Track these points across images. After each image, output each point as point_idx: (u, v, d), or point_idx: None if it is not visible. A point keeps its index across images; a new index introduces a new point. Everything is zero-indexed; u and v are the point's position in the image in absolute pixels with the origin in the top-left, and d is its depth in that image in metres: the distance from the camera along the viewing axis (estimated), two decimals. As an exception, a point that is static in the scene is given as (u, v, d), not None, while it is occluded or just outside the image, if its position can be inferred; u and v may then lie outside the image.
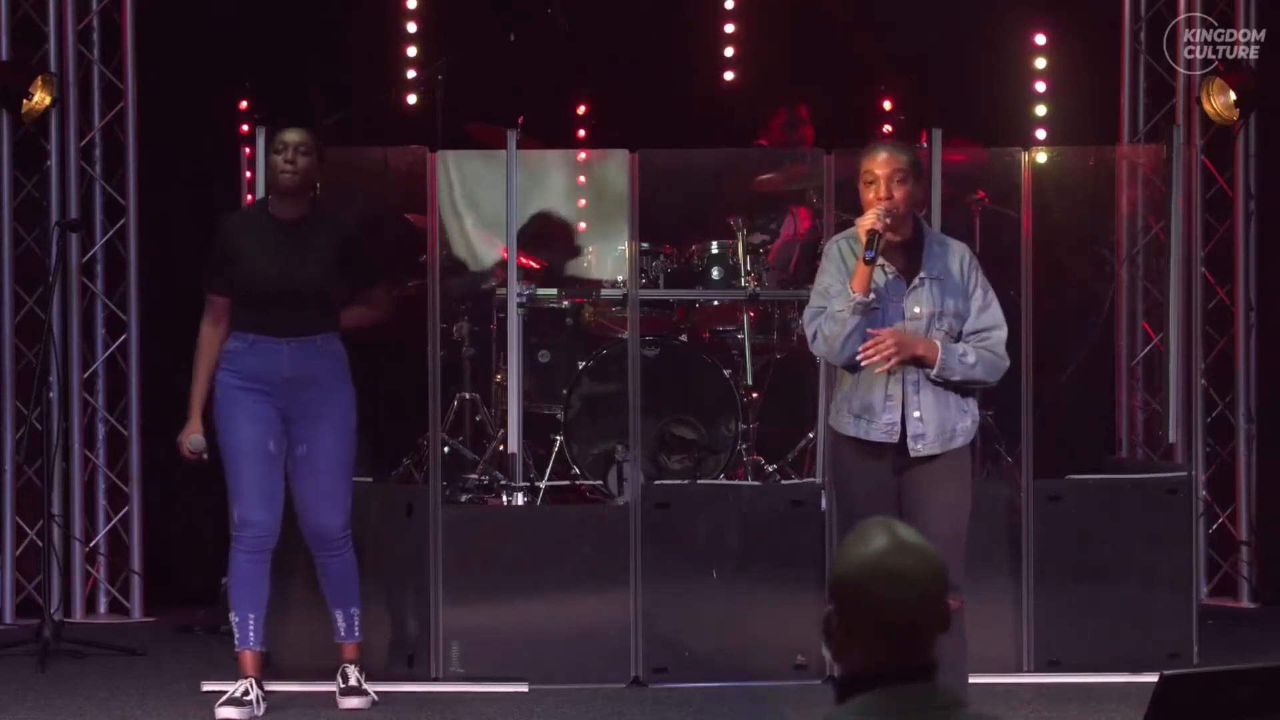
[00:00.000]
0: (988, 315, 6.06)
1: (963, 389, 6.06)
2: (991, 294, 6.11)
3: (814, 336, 6.04)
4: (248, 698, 6.93)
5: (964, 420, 6.06)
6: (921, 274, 6.01)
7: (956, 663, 5.97)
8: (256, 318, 6.93)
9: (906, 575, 3.01)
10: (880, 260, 5.93)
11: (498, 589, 7.60)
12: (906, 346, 5.91)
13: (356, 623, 7.12)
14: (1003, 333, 6.08)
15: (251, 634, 7.00)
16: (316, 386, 6.94)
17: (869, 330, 5.91)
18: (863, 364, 5.92)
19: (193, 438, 7.01)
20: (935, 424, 6.00)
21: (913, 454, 5.98)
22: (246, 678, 6.98)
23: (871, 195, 5.96)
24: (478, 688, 7.43)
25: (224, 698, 6.96)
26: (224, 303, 7.00)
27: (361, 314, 7.15)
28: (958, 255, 6.09)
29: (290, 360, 6.93)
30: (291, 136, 6.95)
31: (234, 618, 7.03)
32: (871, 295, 5.91)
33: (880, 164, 5.97)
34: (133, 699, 7.27)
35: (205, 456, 7.06)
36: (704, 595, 7.60)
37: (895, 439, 5.98)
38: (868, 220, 5.89)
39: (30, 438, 8.51)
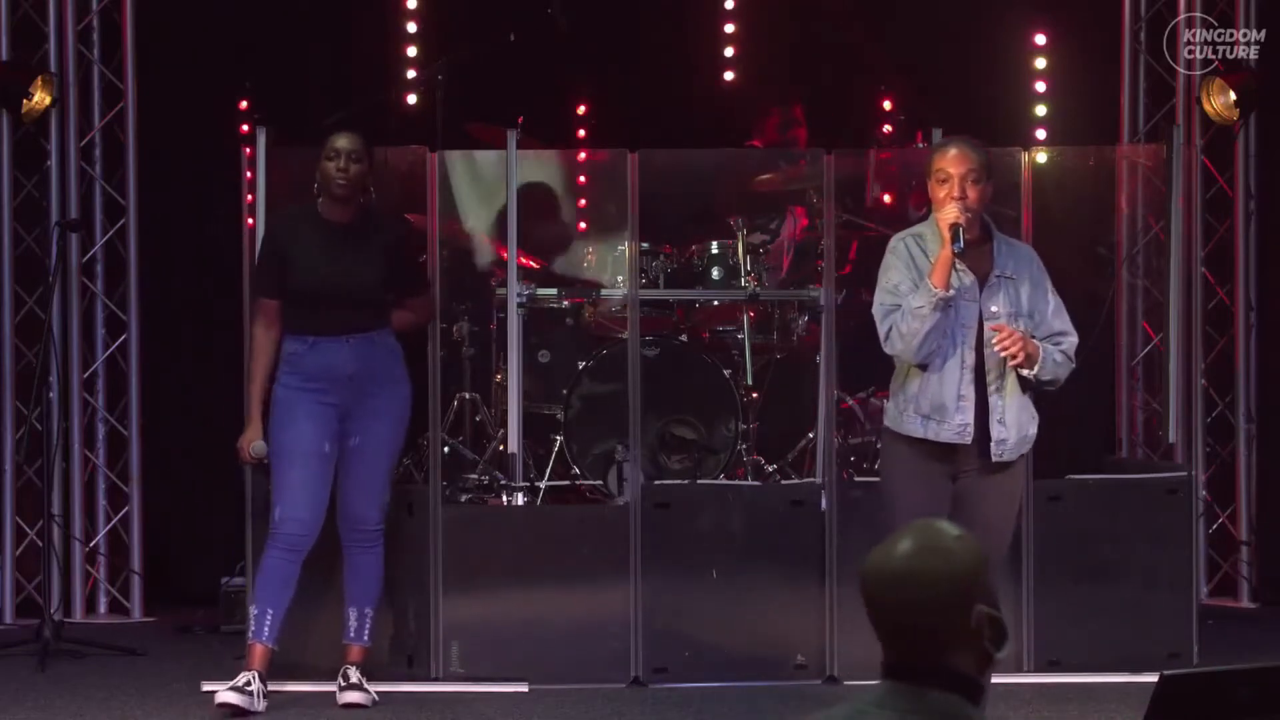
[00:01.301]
0: (1062, 319, 6.05)
1: (1036, 392, 6.02)
2: (1059, 298, 6.09)
3: (887, 334, 5.95)
4: (250, 688, 6.95)
5: (1033, 426, 6.05)
6: (996, 272, 5.97)
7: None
8: (314, 319, 7.03)
9: (917, 577, 3.00)
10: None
11: (498, 589, 7.60)
12: (1026, 341, 5.87)
13: (368, 625, 7.15)
14: (1075, 338, 6.08)
15: (267, 629, 7.04)
16: (376, 381, 7.07)
17: (989, 326, 5.84)
18: (1000, 353, 5.84)
19: (255, 444, 7.07)
20: (1016, 429, 5.97)
21: (994, 459, 5.92)
22: (252, 670, 7.00)
23: (944, 193, 5.93)
24: (478, 688, 7.43)
25: (228, 684, 6.98)
26: (275, 306, 7.09)
27: (407, 319, 7.29)
28: (1027, 256, 6.10)
29: (352, 356, 7.03)
30: (343, 143, 7.04)
31: (253, 610, 7.07)
32: (952, 290, 5.86)
33: (952, 161, 5.94)
34: (133, 699, 7.27)
35: (267, 460, 7.11)
36: (704, 595, 7.60)
37: (967, 440, 5.92)
38: (950, 214, 5.86)
39: (30, 438, 8.51)
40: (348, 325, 7.03)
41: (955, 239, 5.82)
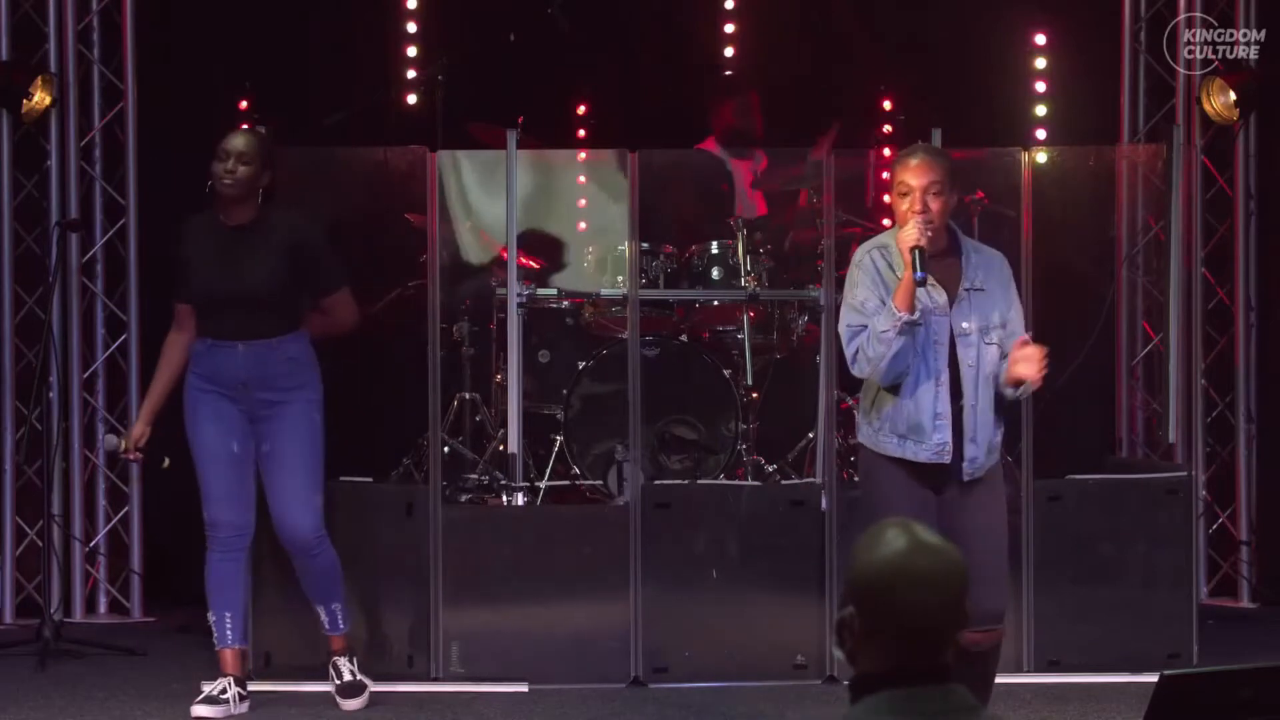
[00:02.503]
0: (1022, 326, 5.91)
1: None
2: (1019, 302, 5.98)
3: (854, 357, 5.77)
4: (225, 696, 6.94)
5: (999, 434, 5.92)
6: (965, 285, 5.80)
7: (980, 697, 5.97)
8: (210, 323, 6.97)
9: (929, 578, 2.98)
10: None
11: (498, 589, 7.60)
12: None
13: (340, 616, 7.12)
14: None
15: (229, 632, 7.00)
16: (275, 387, 6.95)
17: (1017, 349, 5.72)
18: (1033, 380, 5.69)
19: (108, 437, 7.08)
20: (985, 444, 5.84)
21: (966, 478, 5.80)
22: (225, 676, 6.99)
23: (905, 207, 5.72)
24: (478, 688, 7.43)
25: (201, 696, 6.96)
26: (188, 309, 7.06)
27: (324, 323, 7.09)
28: (997, 264, 5.91)
29: (245, 363, 6.94)
30: (233, 144, 6.96)
31: (211, 617, 7.04)
32: (918, 313, 5.69)
33: (914, 173, 5.72)
34: (133, 699, 7.27)
35: (135, 457, 7.16)
36: (704, 595, 7.60)
37: (946, 460, 5.78)
38: (910, 237, 5.64)
39: (30, 438, 8.52)
40: (242, 330, 6.92)
41: (916, 263, 5.60)
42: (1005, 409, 5.96)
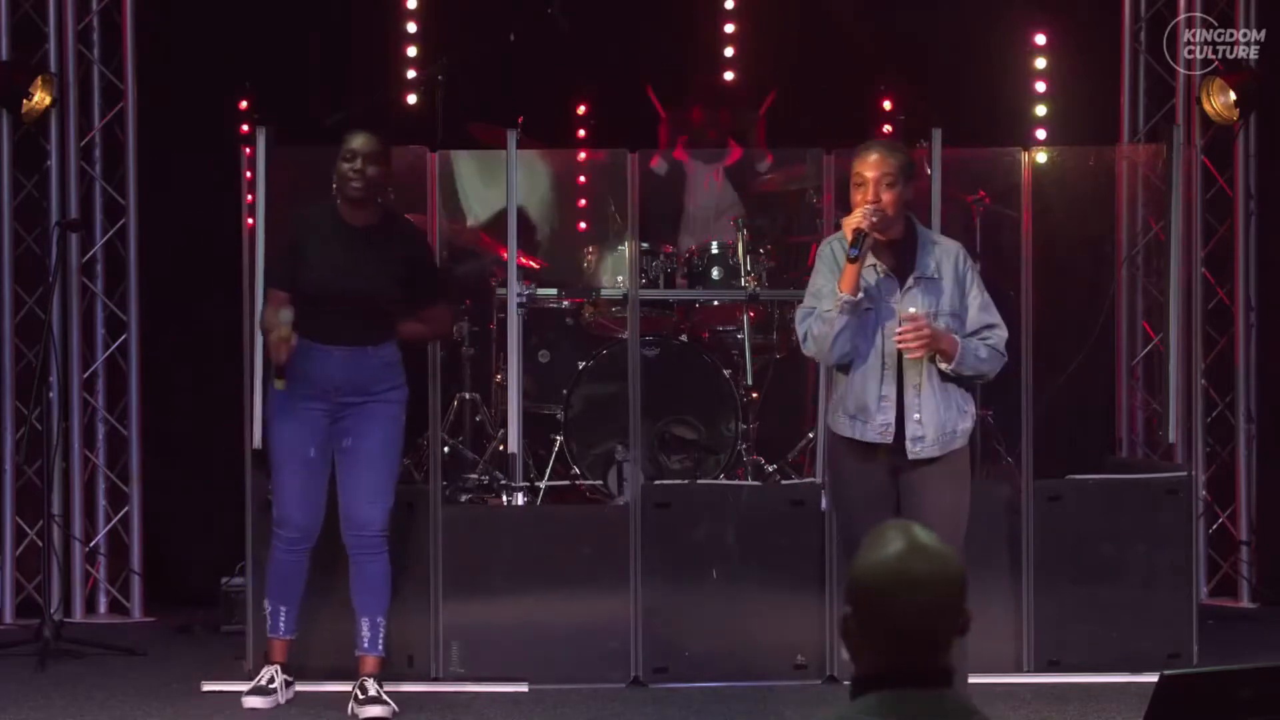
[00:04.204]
0: (989, 313, 6.09)
1: (965, 387, 6.08)
2: (986, 293, 6.12)
3: (804, 337, 6.06)
4: (272, 685, 7.03)
5: (964, 421, 6.08)
6: (915, 273, 6.01)
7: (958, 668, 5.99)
8: (312, 322, 6.86)
9: (925, 581, 2.99)
10: (871, 260, 5.96)
11: (498, 589, 7.60)
12: (937, 336, 5.92)
13: (381, 634, 7.04)
14: (1004, 331, 6.12)
15: (283, 624, 7.09)
16: (365, 391, 6.95)
17: (899, 317, 5.91)
18: (899, 347, 5.90)
19: (284, 310, 6.77)
20: (935, 426, 6.01)
21: (911, 456, 6.00)
22: (273, 664, 7.06)
23: (859, 197, 5.98)
24: (478, 688, 7.43)
25: (250, 686, 7.05)
26: (285, 297, 6.95)
27: (420, 330, 7.13)
28: (952, 254, 6.10)
29: (340, 368, 6.92)
30: (360, 144, 6.92)
31: (267, 606, 7.10)
32: (861, 295, 5.92)
33: (870, 166, 5.98)
34: (133, 699, 7.27)
35: (293, 343, 6.75)
36: (704, 595, 7.60)
37: (889, 440, 6.00)
38: (854, 219, 5.91)
39: (30, 438, 8.52)
40: (343, 334, 6.89)
41: (855, 244, 5.87)
42: (964, 386, 6.11)
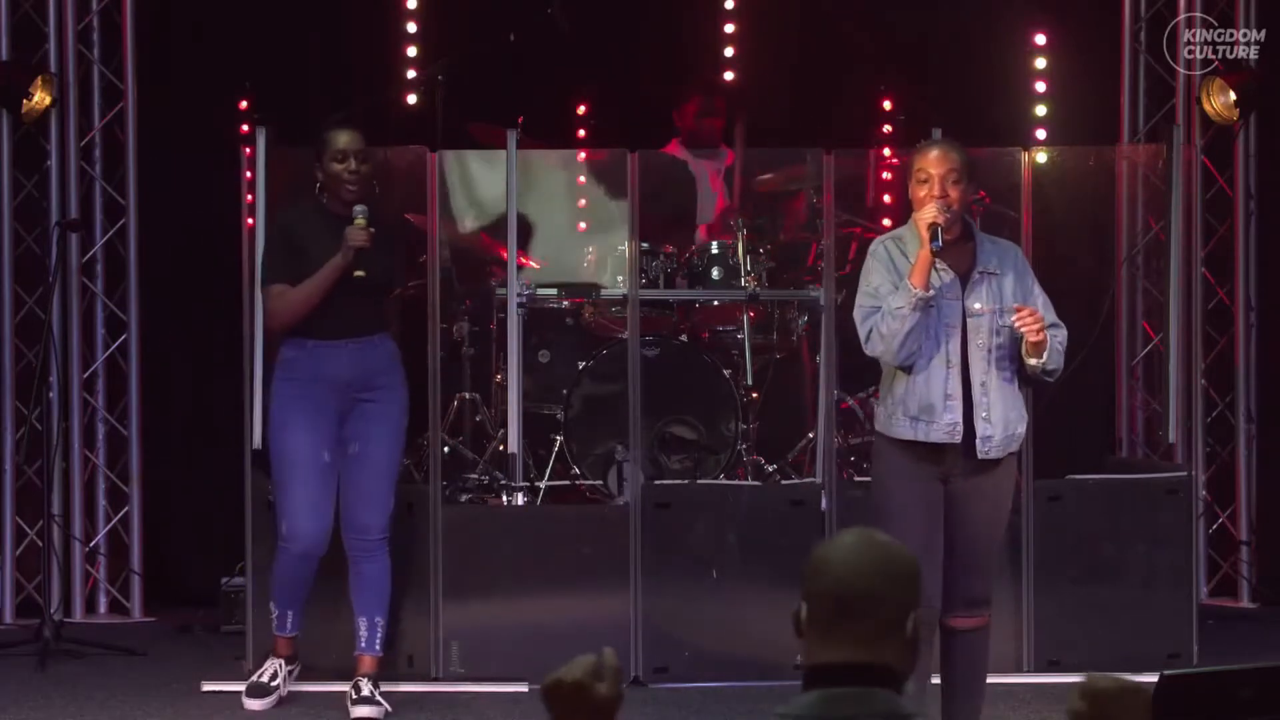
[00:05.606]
0: (1051, 312, 6.07)
1: (1023, 390, 6.05)
2: (1045, 294, 6.11)
3: (868, 336, 5.94)
4: (274, 683, 7.06)
5: (1021, 425, 6.05)
6: (979, 269, 5.98)
7: (971, 685, 6.02)
8: (316, 320, 6.89)
9: (867, 553, 3.10)
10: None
11: (498, 589, 7.60)
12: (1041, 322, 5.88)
13: (379, 634, 7.05)
14: (1065, 332, 6.10)
15: (289, 625, 7.13)
16: (374, 386, 6.98)
17: (1011, 308, 5.88)
18: (1020, 329, 5.84)
19: (359, 207, 6.82)
20: (1001, 426, 5.96)
21: (980, 456, 5.92)
22: (277, 658, 7.12)
23: (924, 193, 5.93)
24: (478, 688, 7.43)
25: (250, 681, 7.09)
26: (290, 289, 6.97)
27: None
28: (1012, 253, 6.11)
29: (350, 361, 6.94)
30: (349, 143, 6.93)
31: (273, 608, 7.12)
32: (932, 290, 5.87)
33: (933, 162, 5.94)
34: (133, 699, 7.27)
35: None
36: (704, 595, 7.60)
37: (957, 439, 5.92)
38: (928, 214, 5.85)
39: (30, 438, 8.52)
40: (348, 328, 6.93)
41: (934, 238, 5.82)
42: (1028, 384, 6.10)
